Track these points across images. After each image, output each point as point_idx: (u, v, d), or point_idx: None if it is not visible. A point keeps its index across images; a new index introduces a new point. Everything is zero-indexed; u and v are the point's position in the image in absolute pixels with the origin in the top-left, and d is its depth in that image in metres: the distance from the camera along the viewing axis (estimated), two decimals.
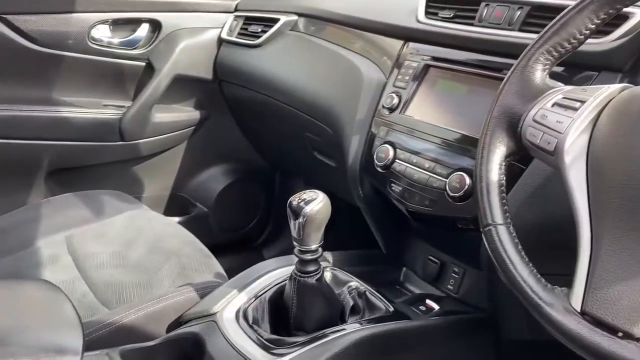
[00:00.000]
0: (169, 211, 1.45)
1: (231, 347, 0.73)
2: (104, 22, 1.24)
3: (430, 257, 0.95)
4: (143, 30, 1.30)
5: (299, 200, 0.70)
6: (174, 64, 1.29)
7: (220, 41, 1.37)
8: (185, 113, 1.40)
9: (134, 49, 1.30)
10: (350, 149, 0.97)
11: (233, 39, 1.34)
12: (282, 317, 0.79)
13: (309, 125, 1.12)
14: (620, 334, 0.44)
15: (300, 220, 0.69)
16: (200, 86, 1.39)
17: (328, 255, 0.94)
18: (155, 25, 1.30)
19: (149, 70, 1.30)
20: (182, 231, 1.06)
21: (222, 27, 1.37)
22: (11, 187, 1.24)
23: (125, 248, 0.99)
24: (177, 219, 1.43)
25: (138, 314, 0.80)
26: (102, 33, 1.26)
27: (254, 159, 1.53)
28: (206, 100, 1.42)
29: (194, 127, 1.42)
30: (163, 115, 1.34)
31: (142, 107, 1.29)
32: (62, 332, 0.60)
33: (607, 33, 0.68)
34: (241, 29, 1.34)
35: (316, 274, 0.74)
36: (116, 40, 1.28)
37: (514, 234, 0.54)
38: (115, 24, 1.27)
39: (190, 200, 1.49)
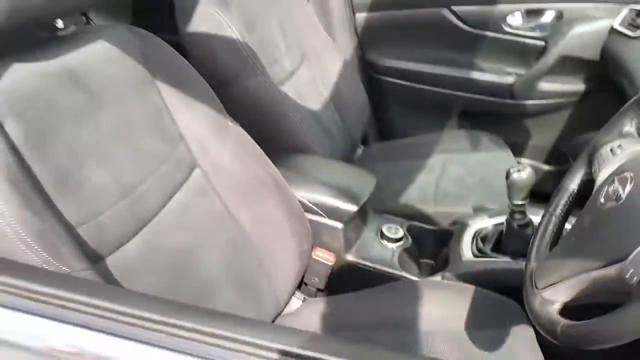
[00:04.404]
0: (545, 160, 1.81)
1: None
2: (518, 10, 1.68)
3: None
4: (548, 17, 1.67)
5: None
6: (565, 45, 1.61)
7: (612, 30, 1.57)
8: (569, 86, 1.68)
9: (538, 32, 1.68)
10: None
11: (621, 29, 1.52)
12: None
13: None
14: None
15: None
16: (585, 66, 1.64)
17: None
18: (559, 14, 1.65)
19: (545, 48, 1.66)
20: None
21: (615, 18, 1.57)
22: (432, 120, 1.85)
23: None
24: (548, 167, 1.79)
25: None
26: (516, 20, 1.69)
27: None
28: (589, 79, 1.66)
29: (576, 99, 1.69)
30: (548, 85, 1.68)
31: (533, 76, 1.67)
32: None
33: None
34: (631, 19, 1.51)
35: None
36: (525, 25, 1.69)
37: None
38: (527, 13, 1.68)
39: (568, 156, 1.73)
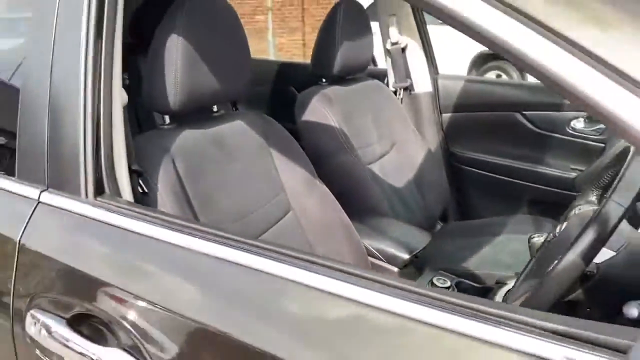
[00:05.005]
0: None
1: None
2: (581, 117, 1.97)
3: None
4: None
5: None
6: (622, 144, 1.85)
7: None
8: None
9: (598, 134, 1.94)
10: None
11: None
12: None
13: None
14: None
15: None
16: None
17: None
18: None
19: (604, 149, 1.90)
20: None
21: None
22: (504, 205, 2.10)
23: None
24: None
25: None
26: (579, 124, 1.97)
27: None
28: None
29: None
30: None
31: (593, 171, 1.89)
32: None
33: None
34: None
35: None
36: (587, 129, 1.96)
37: None
38: (589, 118, 1.96)
39: None
